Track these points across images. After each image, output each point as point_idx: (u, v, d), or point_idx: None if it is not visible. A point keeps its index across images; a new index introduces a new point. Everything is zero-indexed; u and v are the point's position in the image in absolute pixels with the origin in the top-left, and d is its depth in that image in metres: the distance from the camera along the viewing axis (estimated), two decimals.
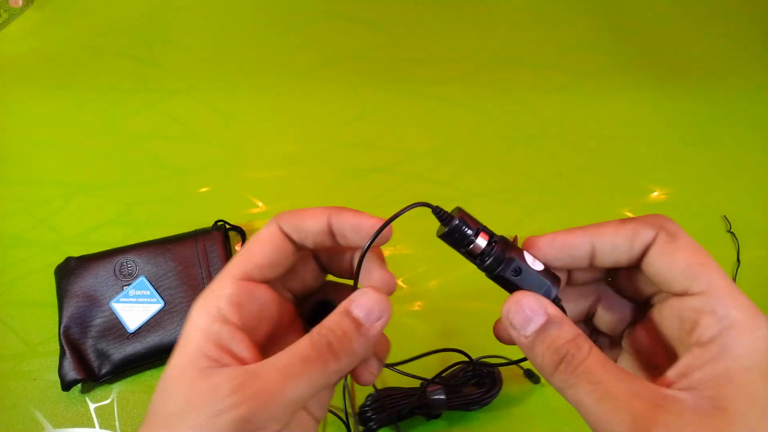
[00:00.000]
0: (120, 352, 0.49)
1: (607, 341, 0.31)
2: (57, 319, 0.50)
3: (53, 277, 0.52)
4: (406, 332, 0.54)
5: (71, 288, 0.51)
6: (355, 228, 0.26)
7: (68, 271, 0.51)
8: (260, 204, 0.60)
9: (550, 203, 0.63)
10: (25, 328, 0.52)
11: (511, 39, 0.78)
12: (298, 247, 0.27)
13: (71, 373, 0.47)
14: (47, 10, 0.75)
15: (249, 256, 0.26)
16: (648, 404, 0.21)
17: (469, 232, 0.26)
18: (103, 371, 0.48)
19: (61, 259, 0.52)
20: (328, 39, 0.75)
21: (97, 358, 0.48)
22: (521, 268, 0.26)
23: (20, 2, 0.72)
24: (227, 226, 0.57)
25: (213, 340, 0.24)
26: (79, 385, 0.49)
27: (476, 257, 0.26)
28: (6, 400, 0.48)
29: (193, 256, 0.53)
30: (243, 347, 0.24)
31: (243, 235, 0.57)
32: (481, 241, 0.26)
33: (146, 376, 0.50)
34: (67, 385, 0.47)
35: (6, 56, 0.70)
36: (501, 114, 0.70)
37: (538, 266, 0.26)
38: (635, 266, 0.26)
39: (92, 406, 0.49)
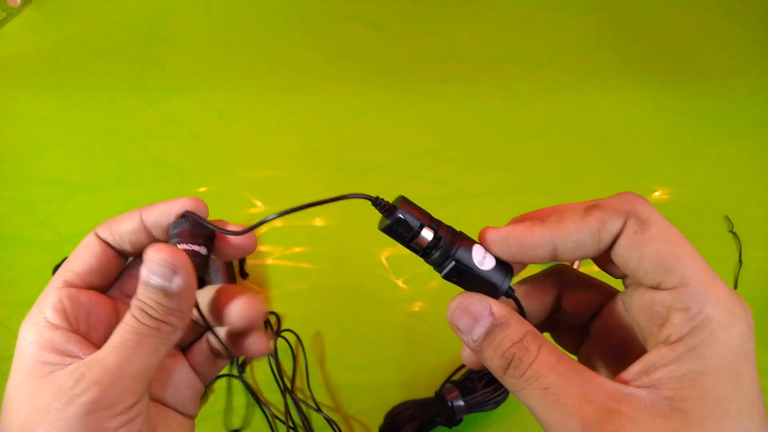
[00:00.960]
0: None
1: (577, 327, 0.29)
2: None
3: (51, 277, 0.52)
4: (406, 334, 0.53)
5: None
6: (166, 214, 0.26)
7: None
8: (259, 204, 0.60)
9: (550, 203, 0.63)
10: None
11: (511, 39, 0.78)
12: (121, 253, 0.27)
13: None
14: (45, 9, 0.75)
15: (68, 266, 0.27)
16: (599, 409, 0.20)
17: (414, 224, 0.24)
18: None
19: (60, 260, 0.52)
20: (329, 38, 0.75)
21: None
22: (469, 263, 0.24)
23: (18, 1, 0.72)
24: None
25: (48, 347, 0.24)
26: None
27: (422, 251, 0.24)
28: None
29: None
30: (80, 347, 0.24)
31: None
32: (427, 234, 0.24)
33: None
34: None
35: (4, 56, 0.70)
36: (501, 113, 0.70)
37: (489, 259, 0.24)
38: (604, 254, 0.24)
39: None
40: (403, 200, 0.24)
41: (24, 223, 0.57)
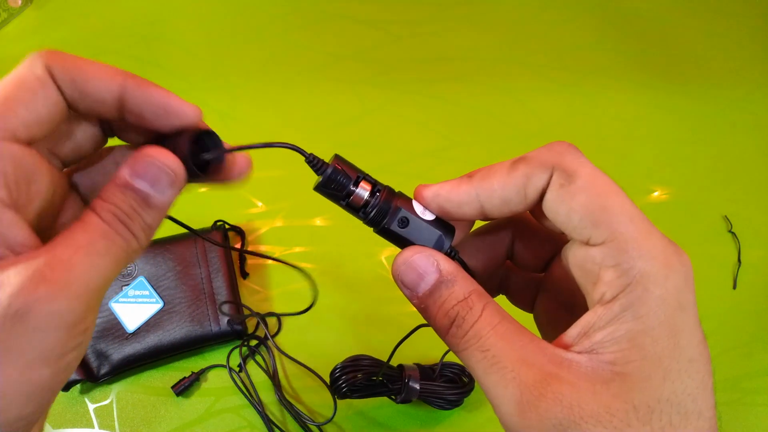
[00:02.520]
0: (119, 352, 0.48)
1: (530, 282, 0.28)
2: None
3: None
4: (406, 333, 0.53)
5: None
6: (163, 111, 0.20)
7: None
8: (260, 204, 0.60)
9: None
10: None
11: (511, 39, 0.78)
12: (72, 107, 0.21)
13: None
14: (46, 10, 0.75)
15: (12, 107, 0.19)
16: (539, 374, 0.19)
17: (348, 181, 0.23)
18: (102, 372, 0.48)
19: None
20: (329, 39, 0.75)
21: (96, 359, 0.48)
22: (408, 219, 0.23)
23: (19, 2, 0.72)
24: (226, 226, 0.57)
25: None
26: (78, 385, 0.49)
27: (359, 210, 0.23)
28: None
29: (192, 256, 0.52)
30: (17, 230, 0.18)
31: (242, 235, 0.57)
32: (362, 191, 0.23)
33: (145, 377, 0.50)
34: (66, 386, 0.47)
35: (5, 56, 0.70)
36: (501, 114, 0.70)
37: (429, 216, 0.24)
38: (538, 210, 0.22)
39: (91, 407, 0.49)
40: (337, 157, 0.23)
41: None
